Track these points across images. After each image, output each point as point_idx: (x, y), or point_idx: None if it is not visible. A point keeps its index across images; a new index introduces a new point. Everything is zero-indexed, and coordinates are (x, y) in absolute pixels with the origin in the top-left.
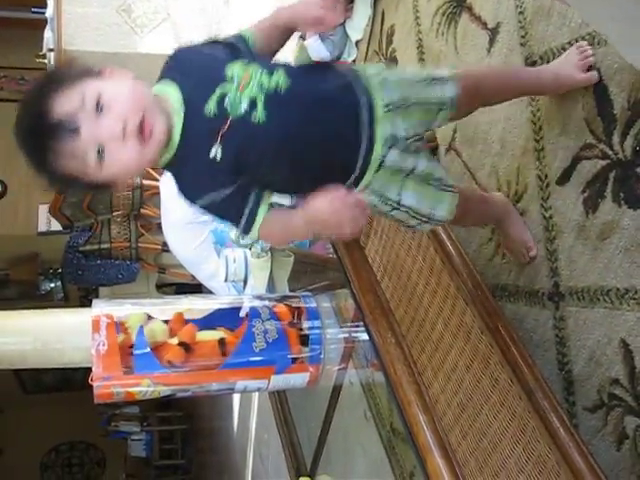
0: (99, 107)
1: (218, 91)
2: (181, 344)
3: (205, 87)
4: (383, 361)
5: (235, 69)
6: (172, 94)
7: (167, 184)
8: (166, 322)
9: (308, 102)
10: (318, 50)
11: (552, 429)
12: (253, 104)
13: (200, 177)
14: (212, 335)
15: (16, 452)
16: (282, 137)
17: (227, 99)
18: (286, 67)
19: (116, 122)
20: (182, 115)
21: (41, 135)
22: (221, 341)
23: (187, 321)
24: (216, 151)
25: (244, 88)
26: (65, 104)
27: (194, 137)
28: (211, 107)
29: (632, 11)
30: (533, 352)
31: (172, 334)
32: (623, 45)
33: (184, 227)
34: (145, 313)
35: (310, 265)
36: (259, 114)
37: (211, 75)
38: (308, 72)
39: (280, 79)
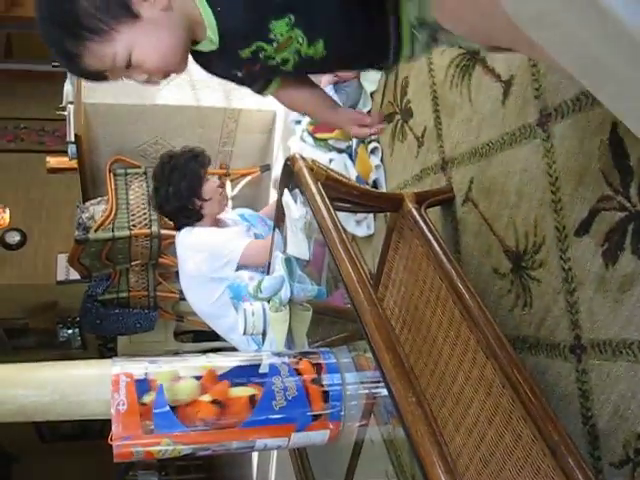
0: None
1: (255, 45)
2: (214, 401)
3: (243, 37)
4: (404, 421)
5: (278, 30)
6: (207, 18)
7: (181, 235)
8: (198, 379)
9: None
10: None
11: None
12: (285, 61)
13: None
14: (244, 391)
15: None
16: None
17: (262, 53)
18: (329, 34)
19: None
20: (216, 43)
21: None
22: (252, 398)
23: (220, 377)
24: (238, 73)
25: (281, 50)
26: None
27: (223, 58)
28: (245, 53)
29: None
30: (556, 406)
31: (203, 391)
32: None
33: (200, 282)
34: (175, 370)
35: (328, 316)
36: (289, 68)
37: (253, 28)
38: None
39: (318, 50)
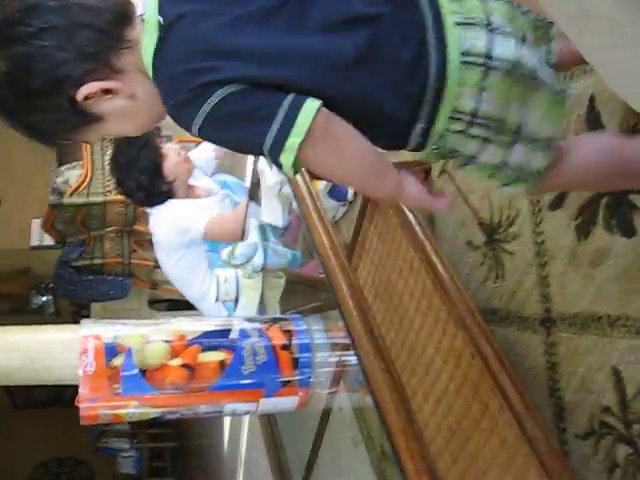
0: None
1: None
2: (184, 365)
3: None
4: (372, 388)
5: None
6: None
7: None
8: (168, 342)
9: None
10: None
11: (542, 457)
12: None
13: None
14: (214, 356)
15: (4, 467)
16: None
17: None
18: None
19: None
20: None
21: None
22: (222, 363)
23: (190, 342)
24: None
25: None
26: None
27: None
28: None
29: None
30: (524, 378)
31: (174, 355)
32: (612, 77)
33: (171, 250)
34: (143, 334)
35: (301, 285)
36: None
37: None
38: None
39: None
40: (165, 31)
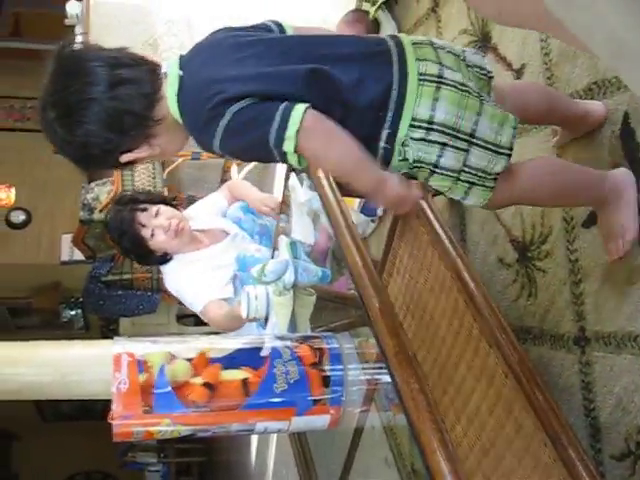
0: None
1: None
2: (205, 384)
3: None
4: (406, 408)
5: None
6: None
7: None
8: (189, 360)
9: None
10: None
11: (577, 477)
12: None
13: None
14: (236, 375)
15: None
16: None
17: None
18: None
19: None
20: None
21: None
22: (244, 381)
23: (211, 360)
24: None
25: None
26: None
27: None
28: None
29: None
30: (558, 397)
31: (195, 373)
32: None
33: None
34: (168, 352)
35: (332, 302)
36: None
37: None
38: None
39: None
40: (182, 81)
